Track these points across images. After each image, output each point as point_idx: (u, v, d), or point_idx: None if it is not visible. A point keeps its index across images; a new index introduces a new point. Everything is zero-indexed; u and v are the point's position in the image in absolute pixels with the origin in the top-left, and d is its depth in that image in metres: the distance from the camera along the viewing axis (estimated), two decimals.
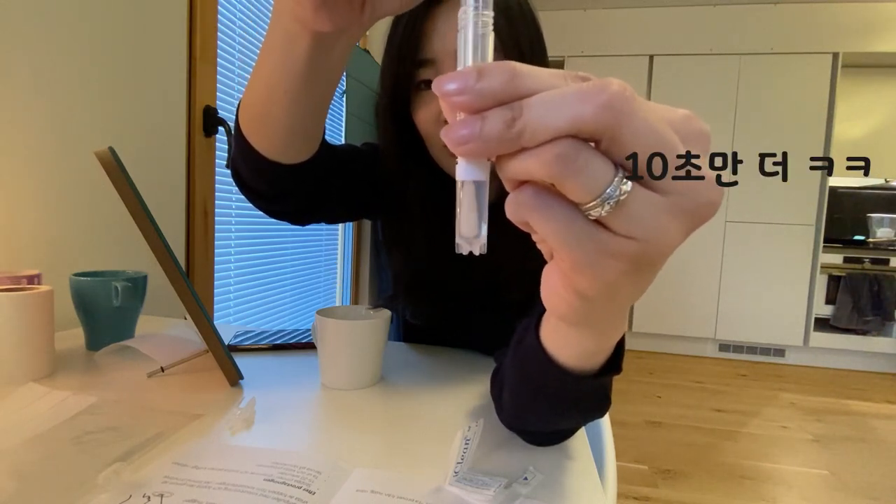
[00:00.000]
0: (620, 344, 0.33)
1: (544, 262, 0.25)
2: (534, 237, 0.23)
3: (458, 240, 0.19)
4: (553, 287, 0.23)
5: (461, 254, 0.20)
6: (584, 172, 0.17)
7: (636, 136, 0.17)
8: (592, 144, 0.18)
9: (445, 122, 0.60)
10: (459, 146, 0.17)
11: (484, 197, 0.19)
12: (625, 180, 0.18)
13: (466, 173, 0.19)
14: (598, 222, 0.18)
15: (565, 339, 0.30)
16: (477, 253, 0.19)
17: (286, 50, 0.38)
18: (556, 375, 0.32)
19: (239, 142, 0.49)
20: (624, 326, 0.29)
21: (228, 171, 1.35)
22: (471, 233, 0.19)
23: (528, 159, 0.17)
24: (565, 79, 0.18)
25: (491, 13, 0.18)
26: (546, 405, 0.37)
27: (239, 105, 0.48)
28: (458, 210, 0.19)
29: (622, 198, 0.18)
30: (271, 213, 0.59)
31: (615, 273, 0.19)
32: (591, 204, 0.18)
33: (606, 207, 0.18)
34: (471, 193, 0.19)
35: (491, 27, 0.18)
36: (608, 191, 0.17)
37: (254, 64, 0.42)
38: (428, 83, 0.58)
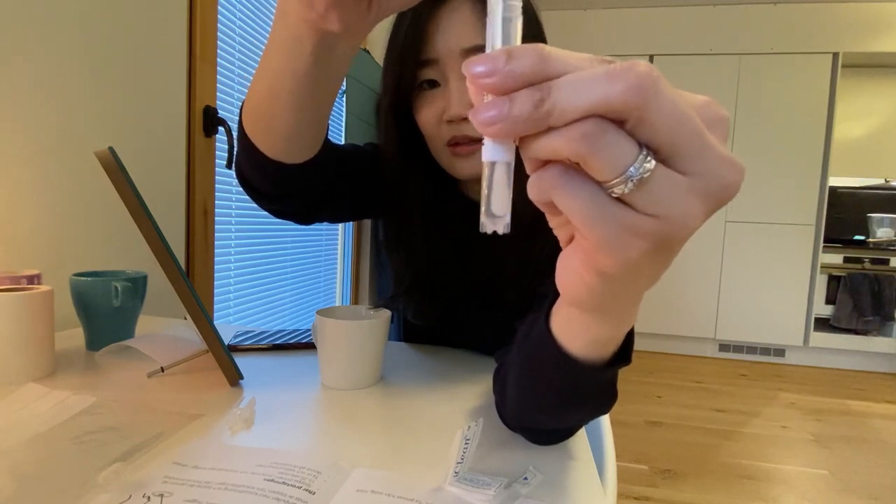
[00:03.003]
0: (630, 335, 0.32)
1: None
2: (552, 222, 0.23)
3: (482, 219, 0.20)
4: (572, 269, 0.24)
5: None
6: (609, 150, 0.17)
7: (662, 117, 0.17)
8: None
9: (448, 121, 0.60)
10: (488, 127, 0.18)
11: (510, 177, 0.19)
12: (648, 158, 0.18)
13: (493, 154, 0.19)
14: (621, 201, 0.19)
15: (577, 328, 0.30)
16: (501, 232, 0.20)
17: (291, 51, 0.38)
18: (566, 365, 0.32)
19: (243, 143, 0.49)
20: (635, 316, 0.29)
21: (228, 171, 1.35)
22: (498, 212, 0.20)
23: (554, 138, 0.18)
24: (592, 62, 0.18)
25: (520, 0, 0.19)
26: (553, 398, 0.37)
27: (242, 106, 0.48)
28: (483, 190, 0.20)
29: (645, 175, 0.18)
30: (275, 213, 0.59)
31: (637, 251, 0.20)
32: (615, 181, 0.18)
33: (630, 185, 0.18)
34: (498, 174, 0.19)
35: (519, 12, 0.19)
36: (631, 169, 0.18)
37: (255, 65, 0.42)
38: (431, 83, 0.58)
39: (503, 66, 0.17)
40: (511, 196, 0.20)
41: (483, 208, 0.20)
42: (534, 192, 0.20)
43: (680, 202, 0.19)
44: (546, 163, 0.19)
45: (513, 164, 0.19)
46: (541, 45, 0.18)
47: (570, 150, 0.18)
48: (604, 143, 0.17)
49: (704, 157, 0.18)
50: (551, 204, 0.20)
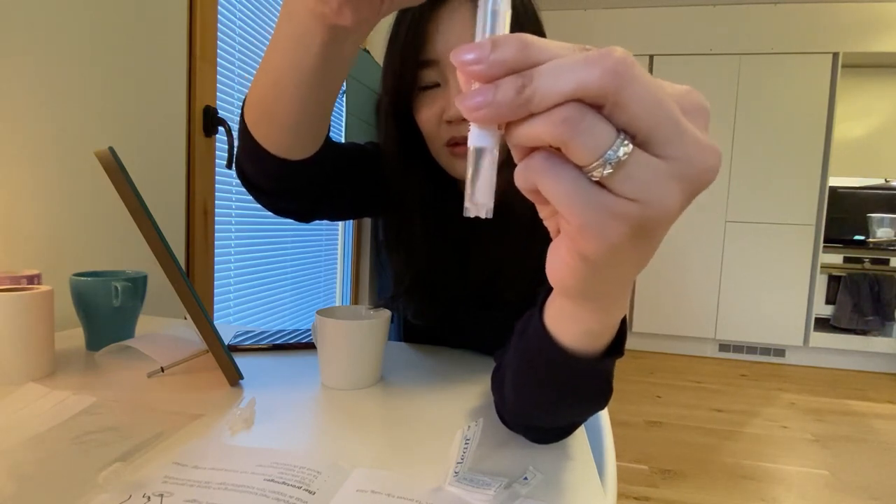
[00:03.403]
0: (622, 327, 0.33)
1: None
2: (541, 213, 0.24)
3: (466, 203, 0.20)
4: (559, 257, 0.24)
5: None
6: (588, 134, 0.18)
7: (638, 101, 0.18)
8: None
9: (448, 122, 0.60)
10: (473, 112, 0.19)
11: (493, 164, 0.20)
12: (625, 142, 0.18)
13: (479, 140, 0.20)
14: (601, 186, 0.19)
15: (569, 318, 0.31)
16: (483, 216, 0.20)
17: (300, 45, 0.38)
18: (560, 358, 0.32)
19: (245, 139, 0.49)
20: (626, 304, 0.29)
21: (228, 171, 1.35)
22: (480, 198, 0.20)
23: (536, 123, 0.19)
24: (572, 49, 0.19)
25: None
26: (549, 393, 0.37)
27: (244, 103, 0.48)
28: (468, 176, 0.20)
29: (623, 159, 0.18)
30: (276, 211, 0.59)
31: (617, 234, 0.20)
32: (594, 165, 0.19)
33: (608, 168, 0.19)
34: (481, 160, 0.20)
35: (508, 6, 0.20)
36: (609, 152, 0.18)
37: (256, 65, 0.42)
38: (431, 83, 0.58)
39: (488, 55, 0.18)
40: (495, 183, 0.20)
41: (467, 193, 0.20)
42: (520, 179, 0.21)
43: (657, 186, 0.19)
44: (532, 151, 0.20)
45: (497, 150, 0.20)
46: (524, 35, 0.19)
47: (551, 134, 0.18)
48: (582, 127, 0.18)
49: (681, 142, 0.19)
50: (539, 192, 0.20)
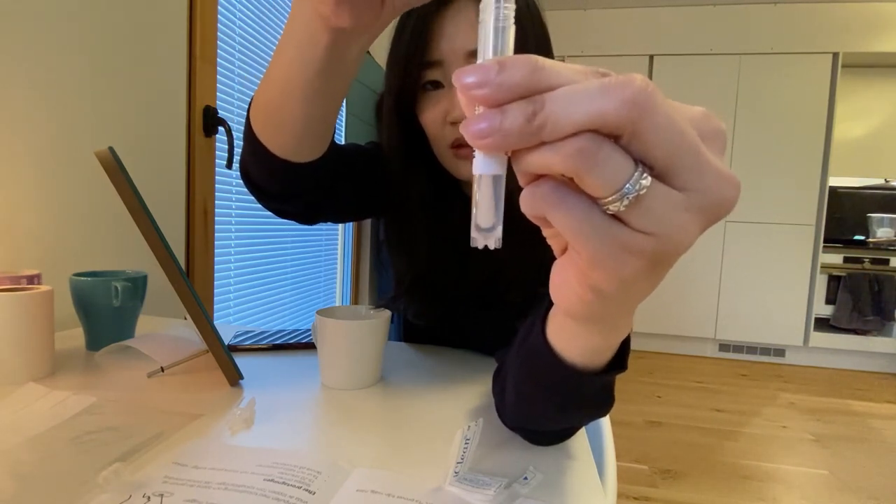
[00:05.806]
0: (626, 342, 0.32)
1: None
2: (545, 232, 0.23)
3: (473, 233, 0.19)
4: (566, 282, 0.23)
5: (475, 247, 0.20)
6: (604, 167, 0.17)
7: (658, 133, 0.17)
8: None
9: (452, 123, 0.60)
10: (478, 139, 0.17)
11: (501, 191, 0.19)
12: (644, 175, 0.17)
13: (484, 167, 0.19)
14: (615, 217, 0.19)
15: (572, 336, 0.30)
16: (492, 247, 0.19)
17: (305, 48, 0.38)
18: (562, 372, 0.32)
19: (250, 142, 0.49)
20: (630, 324, 0.29)
21: (228, 171, 1.35)
22: (488, 226, 0.19)
23: (547, 153, 0.17)
24: (586, 74, 0.18)
25: (513, 6, 0.18)
26: (550, 402, 0.37)
27: (250, 105, 0.48)
28: (474, 204, 0.19)
29: (641, 193, 0.17)
30: (280, 213, 0.59)
31: (631, 269, 0.19)
32: (610, 199, 0.18)
33: (625, 202, 0.18)
34: (488, 187, 0.19)
35: (512, 20, 0.18)
36: (627, 186, 0.17)
37: (256, 65, 0.42)
38: (434, 84, 0.58)
39: (494, 77, 0.17)
40: (502, 210, 0.19)
41: (474, 221, 0.19)
42: (526, 206, 0.19)
43: (676, 219, 0.18)
44: (539, 176, 0.19)
45: (504, 176, 0.19)
46: (534, 56, 0.17)
47: (564, 165, 0.17)
48: (599, 160, 0.17)
49: (701, 173, 0.18)
50: (545, 217, 0.19)
